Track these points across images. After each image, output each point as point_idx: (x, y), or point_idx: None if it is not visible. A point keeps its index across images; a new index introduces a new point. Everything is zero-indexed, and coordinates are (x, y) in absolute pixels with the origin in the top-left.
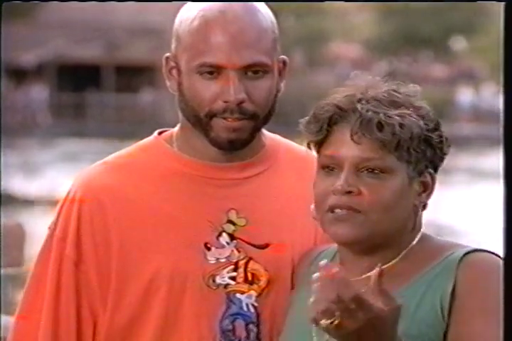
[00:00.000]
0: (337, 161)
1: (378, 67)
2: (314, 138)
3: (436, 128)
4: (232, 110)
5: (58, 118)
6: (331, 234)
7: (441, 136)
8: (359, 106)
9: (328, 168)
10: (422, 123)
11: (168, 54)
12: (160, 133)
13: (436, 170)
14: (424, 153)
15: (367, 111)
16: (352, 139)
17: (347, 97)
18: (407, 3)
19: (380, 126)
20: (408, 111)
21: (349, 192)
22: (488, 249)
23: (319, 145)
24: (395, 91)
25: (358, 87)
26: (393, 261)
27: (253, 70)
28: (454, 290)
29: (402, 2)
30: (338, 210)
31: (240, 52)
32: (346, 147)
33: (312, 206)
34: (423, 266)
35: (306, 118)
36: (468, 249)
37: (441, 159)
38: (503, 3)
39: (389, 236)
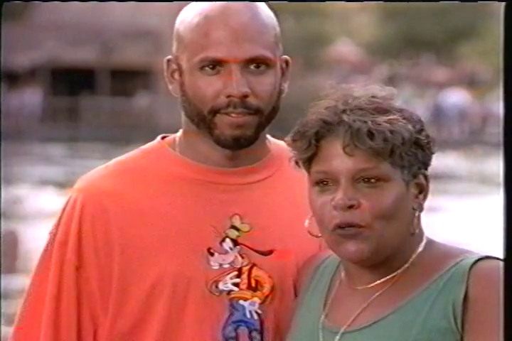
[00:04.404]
0: (331, 176)
1: (379, 70)
2: (303, 155)
3: (422, 128)
4: (236, 104)
5: (52, 123)
6: (342, 254)
7: (428, 136)
8: (345, 117)
9: (322, 183)
10: (410, 126)
11: (169, 56)
12: (163, 138)
13: (426, 169)
14: (415, 156)
15: (354, 121)
16: (344, 152)
17: (329, 110)
18: (409, 5)
19: (371, 134)
20: (395, 116)
21: (351, 206)
22: (498, 256)
23: (309, 161)
24: (373, 97)
25: (335, 97)
26: (401, 269)
27: (255, 64)
28: (465, 298)
29: (403, 3)
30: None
31: (241, 45)
32: (339, 160)
33: (307, 222)
34: (432, 273)
35: (290, 135)
36: (479, 256)
37: (430, 158)
38: (503, 3)
39: (398, 244)
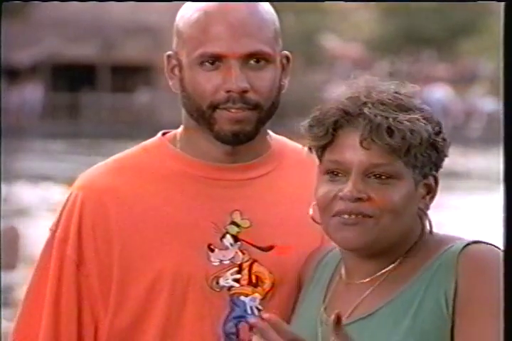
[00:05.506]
0: (344, 166)
1: (379, 66)
2: (318, 142)
3: (440, 131)
4: (235, 99)
5: (52, 119)
6: (338, 240)
7: (444, 139)
8: (366, 110)
9: (332, 172)
10: (429, 127)
11: (169, 52)
12: (164, 134)
13: (437, 171)
14: (429, 157)
15: (375, 115)
16: (361, 145)
17: (351, 100)
18: (409, 2)
19: (390, 131)
20: (416, 116)
21: (358, 199)
22: (487, 241)
23: (322, 149)
24: (397, 93)
25: (358, 88)
26: (396, 263)
27: (255, 59)
28: (456, 284)
29: (403, 1)
30: (345, 216)
31: (240, 40)
32: (354, 152)
33: (310, 210)
34: (423, 262)
35: (308, 121)
36: (467, 242)
37: (442, 161)
38: (503, 3)
39: (395, 241)
